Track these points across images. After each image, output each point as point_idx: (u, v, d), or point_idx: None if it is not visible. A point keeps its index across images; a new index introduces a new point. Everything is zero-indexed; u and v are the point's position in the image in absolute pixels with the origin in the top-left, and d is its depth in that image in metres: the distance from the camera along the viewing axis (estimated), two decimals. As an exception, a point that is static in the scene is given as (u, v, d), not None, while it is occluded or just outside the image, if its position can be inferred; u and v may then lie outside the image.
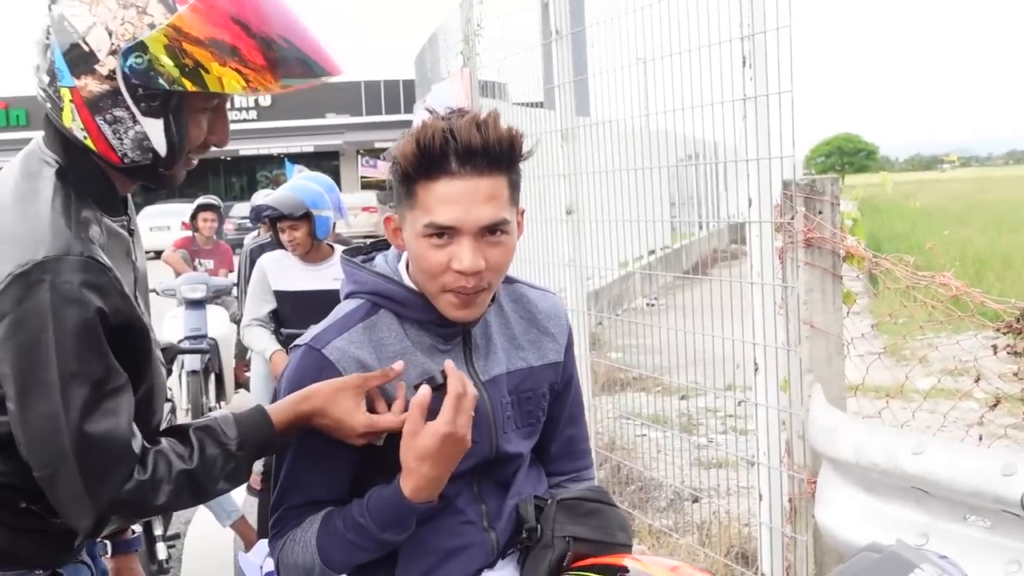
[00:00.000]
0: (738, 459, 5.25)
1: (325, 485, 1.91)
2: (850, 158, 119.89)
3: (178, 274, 8.79)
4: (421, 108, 8.44)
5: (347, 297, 2.02)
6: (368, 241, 2.24)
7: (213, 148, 1.93)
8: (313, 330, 1.94)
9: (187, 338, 8.15)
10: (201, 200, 9.16)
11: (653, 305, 11.09)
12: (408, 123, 10.08)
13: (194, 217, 9.04)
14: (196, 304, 8.30)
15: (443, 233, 1.81)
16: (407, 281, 1.96)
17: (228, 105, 1.92)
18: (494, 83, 5.94)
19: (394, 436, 1.85)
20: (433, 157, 1.79)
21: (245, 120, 43.73)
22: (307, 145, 42.07)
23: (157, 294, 8.52)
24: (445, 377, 1.80)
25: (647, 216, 4.58)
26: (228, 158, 44.52)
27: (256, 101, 44.15)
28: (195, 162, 1.92)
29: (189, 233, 9.21)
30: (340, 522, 1.87)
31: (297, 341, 1.95)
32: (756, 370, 3.52)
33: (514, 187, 1.87)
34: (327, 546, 1.86)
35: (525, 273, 5.76)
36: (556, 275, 5.21)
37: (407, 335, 1.93)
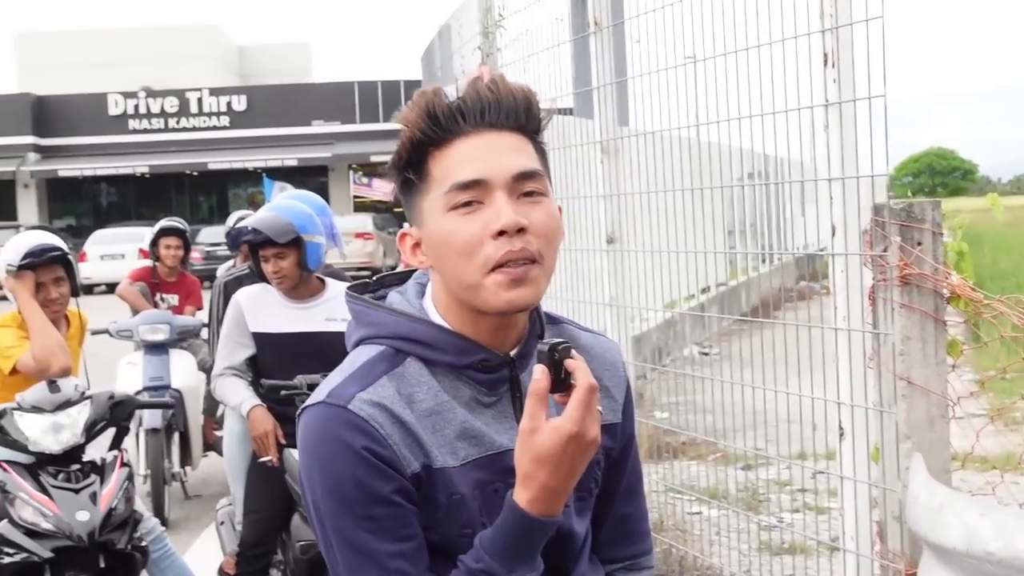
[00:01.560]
0: (817, 544, 5.18)
1: (410, 560, 1.85)
2: (943, 178, 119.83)
3: (135, 312, 8.77)
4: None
5: (359, 344, 1.98)
6: (367, 275, 2.20)
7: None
8: (323, 388, 1.90)
9: (146, 389, 8.13)
10: (163, 223, 9.14)
11: (707, 355, 11.07)
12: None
13: (155, 244, 9.02)
14: (157, 348, 8.29)
15: (470, 201, 1.81)
16: (436, 318, 1.93)
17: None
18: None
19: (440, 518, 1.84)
20: (444, 116, 1.83)
21: (215, 128, 44.07)
22: (289, 158, 42.29)
23: (111, 335, 8.52)
24: (556, 365, 1.77)
25: (700, 247, 4.56)
26: (194, 172, 44.78)
27: (228, 105, 44.54)
28: None
29: (148, 263, 9.18)
30: None
31: (307, 402, 1.91)
32: (841, 435, 3.48)
33: (541, 153, 1.90)
34: None
35: (567, 313, 5.72)
36: (594, 315, 5.17)
37: (441, 387, 1.89)
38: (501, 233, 1.80)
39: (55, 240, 5.15)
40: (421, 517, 1.86)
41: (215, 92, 45.28)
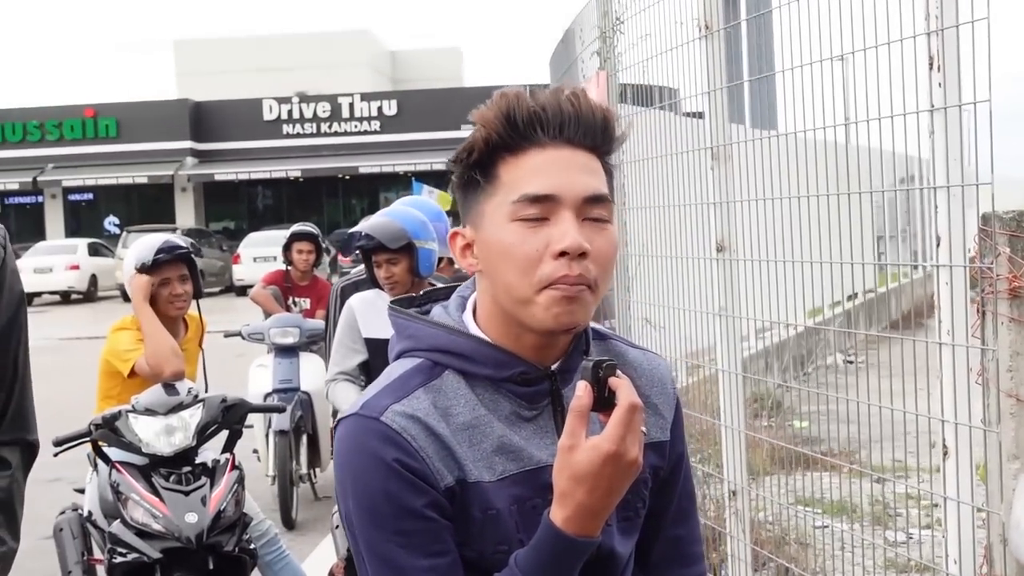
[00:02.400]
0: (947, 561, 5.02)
1: (443, 574, 1.82)
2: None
3: (268, 315, 8.93)
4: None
5: (399, 356, 1.96)
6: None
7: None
8: (359, 400, 1.90)
9: (276, 391, 8.27)
10: (295, 228, 9.29)
11: (851, 363, 10.82)
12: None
13: (287, 248, 9.17)
14: (287, 351, 8.42)
15: (537, 216, 1.79)
16: (475, 330, 1.90)
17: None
18: (640, 87, 5.87)
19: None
20: (523, 122, 1.80)
21: (366, 132, 44.76)
22: (438, 162, 42.74)
23: (243, 338, 8.69)
24: (600, 383, 1.74)
25: (841, 255, 4.41)
26: (346, 176, 45.57)
27: (379, 110, 45.19)
28: None
29: (283, 267, 9.34)
30: None
31: (341, 414, 1.90)
32: (945, 454, 3.35)
33: (610, 176, 1.87)
34: None
35: (671, 322, 5.65)
36: (700, 325, 5.11)
37: (480, 401, 1.86)
38: (563, 254, 1.77)
39: (180, 240, 5.27)
40: (456, 533, 1.84)
41: (366, 97, 45.99)
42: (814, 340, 10.11)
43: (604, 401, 1.73)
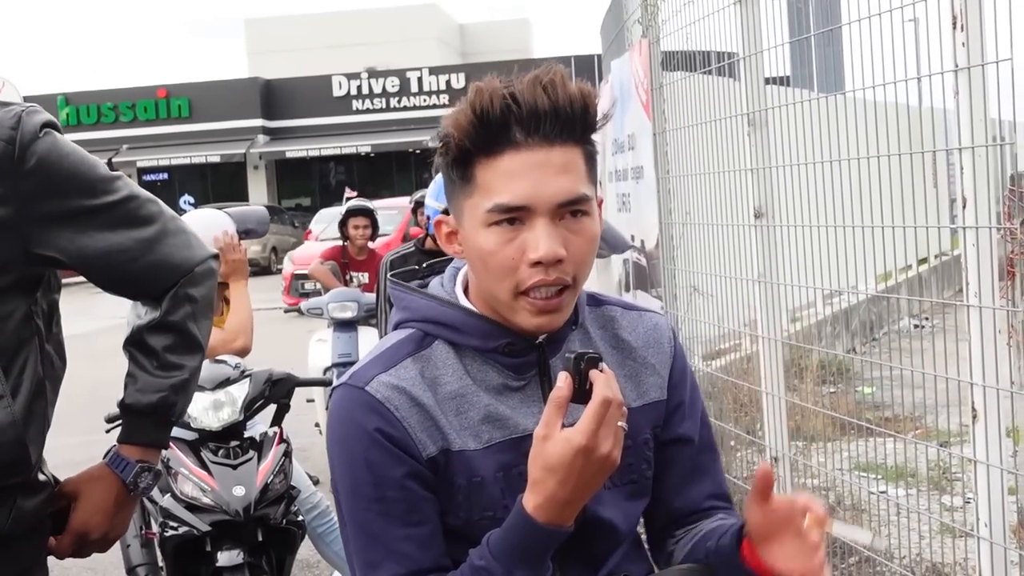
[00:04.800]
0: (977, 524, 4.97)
1: (420, 545, 1.86)
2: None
3: (327, 289, 9.00)
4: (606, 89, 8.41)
5: (396, 327, 2.00)
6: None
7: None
8: (353, 368, 1.94)
9: (335, 365, 8.33)
10: (351, 204, 9.35)
11: (920, 327, 10.70)
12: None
13: (343, 224, 9.25)
14: (346, 325, 8.46)
15: (512, 219, 1.79)
16: (464, 302, 1.93)
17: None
18: (684, 53, 5.82)
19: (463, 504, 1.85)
20: (495, 125, 1.78)
21: (435, 106, 44.76)
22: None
23: (301, 313, 8.78)
24: (581, 373, 1.74)
25: (909, 218, 4.35)
26: (416, 151, 45.69)
27: (448, 83, 45.19)
28: None
29: (339, 242, 9.42)
30: None
31: (335, 383, 1.94)
32: (974, 417, 3.32)
33: (590, 159, 1.85)
34: None
35: (720, 290, 5.62)
36: (742, 291, 5.08)
37: (467, 371, 1.90)
38: (538, 262, 1.78)
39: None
40: (440, 501, 1.87)
41: (434, 71, 46.01)
42: (883, 305, 10.02)
43: (584, 393, 1.74)
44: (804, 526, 1.76)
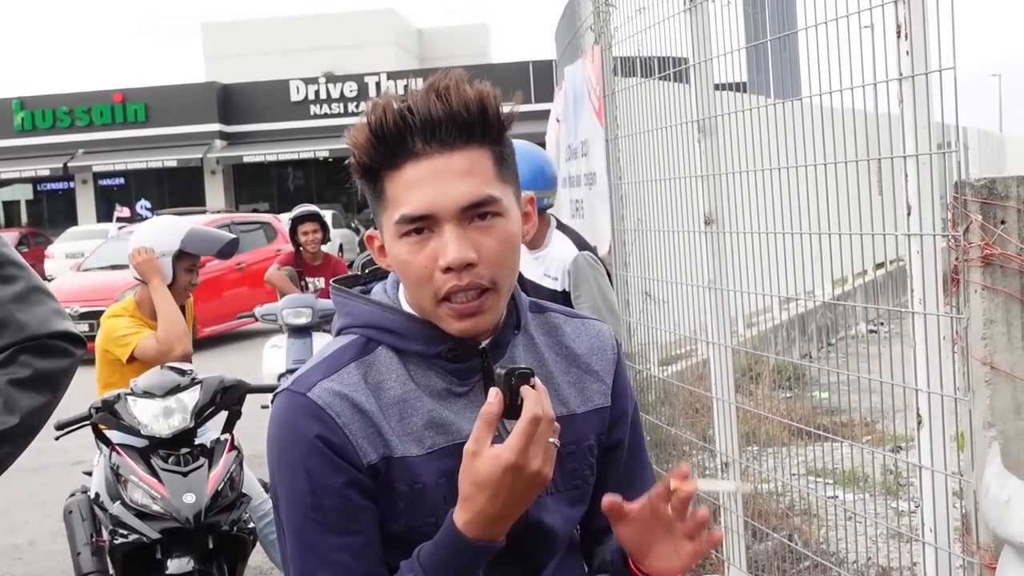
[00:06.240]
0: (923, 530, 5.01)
1: (354, 555, 1.85)
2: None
3: (283, 295, 8.97)
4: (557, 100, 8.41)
5: (339, 333, 1.99)
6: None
7: None
8: (295, 374, 1.93)
9: (290, 371, 8.30)
10: (297, 211, 9.35)
11: (875, 332, 10.77)
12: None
13: (293, 232, 9.24)
14: (301, 331, 8.43)
15: (420, 228, 1.79)
16: (407, 308, 1.92)
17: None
18: (635, 59, 5.82)
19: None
20: (391, 140, 1.78)
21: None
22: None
23: (256, 320, 8.73)
24: (512, 389, 1.74)
25: (864, 226, 4.36)
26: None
27: (406, 88, 44.17)
28: None
29: (292, 248, 9.40)
30: None
31: (278, 388, 1.93)
32: (919, 423, 3.35)
33: (500, 160, 1.83)
34: None
35: (672, 296, 5.63)
36: (693, 297, 5.10)
37: (411, 376, 1.89)
38: (448, 268, 1.78)
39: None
40: (382, 508, 1.86)
41: (392, 76, 45.94)
42: (838, 311, 10.07)
43: (516, 409, 1.73)
44: (671, 493, 1.81)
